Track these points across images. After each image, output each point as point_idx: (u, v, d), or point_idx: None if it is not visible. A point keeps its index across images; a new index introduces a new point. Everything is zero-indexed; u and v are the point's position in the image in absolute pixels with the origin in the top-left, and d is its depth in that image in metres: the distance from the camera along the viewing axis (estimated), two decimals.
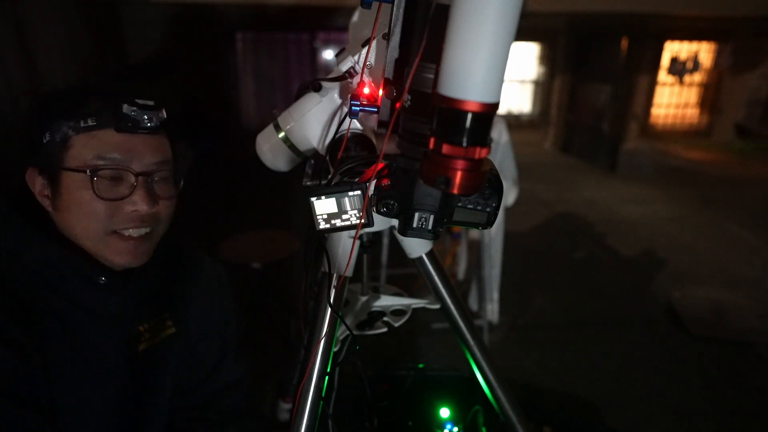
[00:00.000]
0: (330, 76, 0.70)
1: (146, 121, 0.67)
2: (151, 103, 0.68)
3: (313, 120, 0.73)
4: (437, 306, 0.87)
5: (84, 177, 0.65)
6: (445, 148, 0.42)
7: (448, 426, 1.12)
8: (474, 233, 2.71)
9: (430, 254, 0.82)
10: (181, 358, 0.83)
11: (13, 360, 0.60)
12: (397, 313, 0.92)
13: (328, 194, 0.56)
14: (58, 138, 0.65)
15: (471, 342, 0.86)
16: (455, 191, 0.43)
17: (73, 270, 0.68)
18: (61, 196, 0.66)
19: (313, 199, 0.56)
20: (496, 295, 2.61)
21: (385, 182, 0.56)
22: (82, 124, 0.65)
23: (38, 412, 0.62)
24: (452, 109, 0.40)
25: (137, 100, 0.67)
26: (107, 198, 0.65)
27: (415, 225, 0.56)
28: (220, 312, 0.92)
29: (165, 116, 0.70)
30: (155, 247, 0.74)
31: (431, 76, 0.50)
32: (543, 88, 8.03)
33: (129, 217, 0.68)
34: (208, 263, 0.92)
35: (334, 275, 0.73)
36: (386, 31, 0.57)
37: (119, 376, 0.73)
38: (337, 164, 0.63)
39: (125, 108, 0.65)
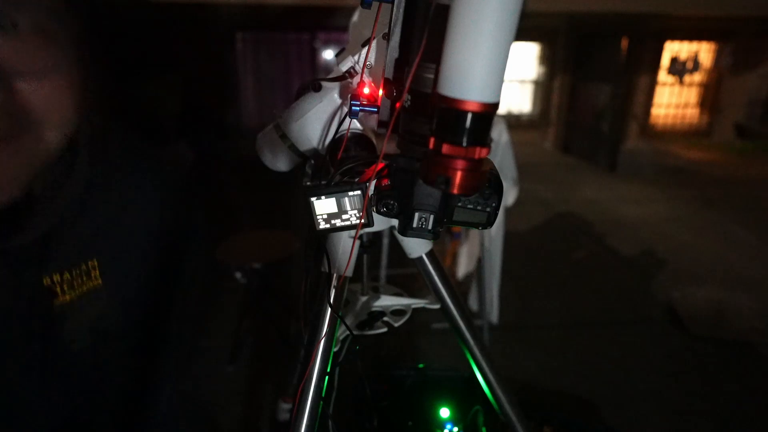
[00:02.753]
0: (330, 76, 0.70)
1: None
2: None
3: (313, 120, 0.73)
4: (437, 306, 0.87)
5: None
6: (445, 148, 0.42)
7: (448, 426, 1.12)
8: (474, 233, 2.71)
9: (430, 254, 0.82)
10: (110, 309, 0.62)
11: None
12: (397, 313, 0.92)
13: (328, 194, 0.56)
14: None
15: (471, 342, 0.86)
16: (455, 191, 0.43)
17: None
18: None
19: (313, 199, 0.56)
20: (496, 295, 2.61)
21: (385, 182, 0.56)
22: None
23: None
24: (452, 109, 0.40)
25: None
26: None
27: (415, 225, 0.56)
28: (149, 248, 0.67)
29: None
30: (35, 168, 0.46)
31: (431, 76, 0.50)
32: (543, 88, 8.03)
33: None
34: (152, 173, 0.67)
35: (334, 275, 0.73)
36: (386, 31, 0.57)
37: (28, 339, 0.55)
38: (337, 164, 0.63)
39: None
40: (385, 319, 0.90)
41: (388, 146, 0.56)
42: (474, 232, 2.66)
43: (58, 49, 0.41)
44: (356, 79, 0.65)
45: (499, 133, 2.27)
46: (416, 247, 0.81)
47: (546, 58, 7.89)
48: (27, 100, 0.41)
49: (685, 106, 8.08)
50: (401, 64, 0.57)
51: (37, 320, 0.55)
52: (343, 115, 0.71)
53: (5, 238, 0.49)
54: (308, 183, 0.76)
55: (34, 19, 0.39)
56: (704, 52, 7.63)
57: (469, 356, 0.87)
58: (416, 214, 0.55)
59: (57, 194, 0.51)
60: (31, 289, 0.54)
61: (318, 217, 0.57)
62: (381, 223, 0.71)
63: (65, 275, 0.56)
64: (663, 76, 7.57)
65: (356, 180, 0.59)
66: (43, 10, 0.40)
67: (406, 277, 2.14)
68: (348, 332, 0.78)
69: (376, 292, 0.96)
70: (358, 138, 0.70)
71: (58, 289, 0.56)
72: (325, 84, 0.71)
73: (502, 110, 1.89)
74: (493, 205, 0.55)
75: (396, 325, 0.89)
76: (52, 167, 0.49)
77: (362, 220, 0.57)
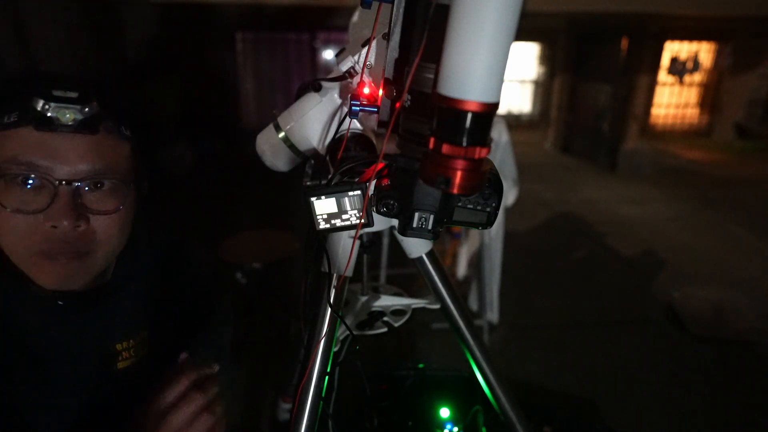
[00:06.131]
0: (330, 76, 0.70)
1: (66, 119, 0.54)
2: (73, 95, 0.55)
3: (313, 120, 0.73)
4: (437, 306, 0.87)
5: None
6: (445, 148, 0.42)
7: (448, 426, 1.12)
8: (474, 233, 2.71)
9: (430, 254, 0.82)
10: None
11: None
12: (397, 313, 0.92)
13: (328, 194, 0.56)
14: None
15: (471, 342, 0.86)
16: (455, 191, 0.43)
17: (27, 294, 0.60)
18: None
19: (313, 199, 0.56)
20: (496, 295, 2.61)
21: (385, 182, 0.56)
22: (5, 120, 0.55)
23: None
24: (452, 108, 0.40)
25: (54, 92, 0.54)
26: (18, 210, 0.55)
27: (415, 225, 0.56)
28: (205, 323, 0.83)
29: (96, 111, 0.57)
30: (98, 270, 0.63)
31: (431, 76, 0.50)
32: (543, 88, 8.03)
33: (49, 236, 0.56)
34: (199, 263, 0.84)
35: (334, 275, 0.73)
36: (386, 31, 0.57)
37: (95, 396, 0.66)
38: (337, 164, 0.63)
39: (38, 102, 0.54)
40: (385, 319, 0.90)
41: (388, 146, 0.56)
42: (474, 232, 2.66)
43: (122, 200, 0.61)
44: (356, 79, 0.65)
45: (499, 133, 2.27)
46: (416, 247, 0.81)
47: (546, 58, 7.89)
48: (97, 230, 0.60)
49: (685, 106, 8.08)
50: (401, 64, 0.57)
51: (105, 380, 0.67)
52: (343, 115, 0.71)
53: (84, 311, 0.65)
54: (308, 183, 0.76)
55: (115, 182, 0.60)
56: (704, 52, 7.63)
57: (469, 356, 0.87)
58: (416, 214, 0.55)
59: (129, 280, 0.70)
60: (104, 353, 0.67)
61: (318, 217, 0.57)
62: (381, 223, 0.71)
63: (130, 342, 0.70)
64: (663, 76, 7.57)
65: (356, 180, 0.59)
66: (121, 177, 0.61)
67: (406, 277, 2.14)
68: (348, 332, 0.78)
69: (376, 292, 0.96)
70: (358, 138, 0.70)
71: (125, 354, 0.69)
72: (325, 84, 0.71)
73: (502, 110, 1.89)
74: (493, 205, 0.55)
75: (396, 325, 0.89)
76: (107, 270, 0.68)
77: (362, 220, 0.57)
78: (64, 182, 0.56)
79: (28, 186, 0.55)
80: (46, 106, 0.54)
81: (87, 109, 0.56)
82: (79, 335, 0.64)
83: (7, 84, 0.59)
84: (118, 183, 0.60)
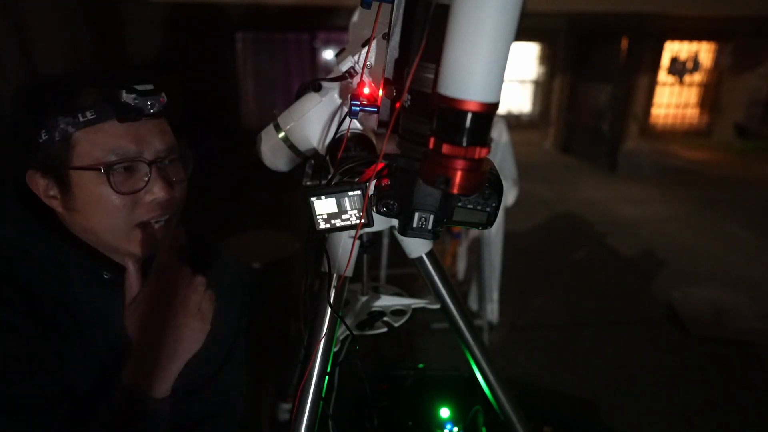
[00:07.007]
0: (330, 76, 0.70)
1: (149, 108, 0.64)
2: (150, 87, 0.65)
3: (313, 120, 0.73)
4: (437, 306, 0.87)
5: (98, 174, 0.63)
6: (445, 148, 0.42)
7: (448, 426, 1.12)
8: (474, 233, 2.71)
9: (430, 254, 0.82)
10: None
11: (21, 343, 0.59)
12: (397, 313, 0.92)
13: (328, 194, 0.56)
14: (58, 136, 0.62)
15: (471, 342, 0.86)
16: (455, 191, 0.43)
17: (77, 266, 0.67)
18: (74, 196, 0.65)
19: (313, 199, 0.56)
20: (496, 295, 2.61)
21: (385, 182, 0.56)
22: (81, 119, 0.62)
23: (54, 383, 0.62)
24: (452, 108, 0.41)
25: (136, 87, 0.64)
26: (126, 192, 0.65)
27: (415, 225, 0.56)
28: (235, 313, 0.90)
29: (165, 99, 0.68)
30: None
31: (431, 76, 0.50)
32: (543, 88, 8.03)
33: (149, 207, 0.67)
34: (232, 260, 0.91)
35: (334, 275, 0.73)
36: (386, 31, 0.57)
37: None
38: (337, 164, 0.63)
39: (125, 96, 0.62)
40: (385, 319, 0.90)
41: (388, 146, 0.56)
42: (474, 232, 2.66)
43: (185, 170, 0.74)
44: (356, 79, 0.65)
45: (499, 133, 2.27)
46: (416, 247, 0.81)
47: (546, 58, 7.89)
48: (177, 196, 0.71)
49: (685, 106, 8.08)
50: (401, 64, 0.57)
51: None
52: (343, 115, 0.71)
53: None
54: (308, 183, 0.76)
55: (177, 156, 0.72)
56: (704, 52, 7.62)
57: (469, 356, 0.87)
58: (416, 214, 0.55)
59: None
60: None
61: (318, 217, 0.57)
62: (381, 223, 0.70)
63: None
64: (663, 76, 7.56)
65: (356, 180, 0.59)
66: (179, 152, 0.73)
67: (406, 277, 2.14)
68: (348, 332, 0.78)
69: (376, 292, 0.96)
70: (358, 138, 0.70)
71: None
72: (325, 84, 0.71)
73: (502, 110, 1.89)
74: (493, 205, 0.55)
75: (396, 325, 0.89)
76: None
77: (362, 220, 0.57)
78: (153, 162, 0.67)
79: (126, 170, 0.65)
80: (134, 99, 0.63)
81: (161, 99, 0.67)
82: (121, 308, 0.70)
83: (72, 84, 0.65)
84: (179, 156, 0.73)
